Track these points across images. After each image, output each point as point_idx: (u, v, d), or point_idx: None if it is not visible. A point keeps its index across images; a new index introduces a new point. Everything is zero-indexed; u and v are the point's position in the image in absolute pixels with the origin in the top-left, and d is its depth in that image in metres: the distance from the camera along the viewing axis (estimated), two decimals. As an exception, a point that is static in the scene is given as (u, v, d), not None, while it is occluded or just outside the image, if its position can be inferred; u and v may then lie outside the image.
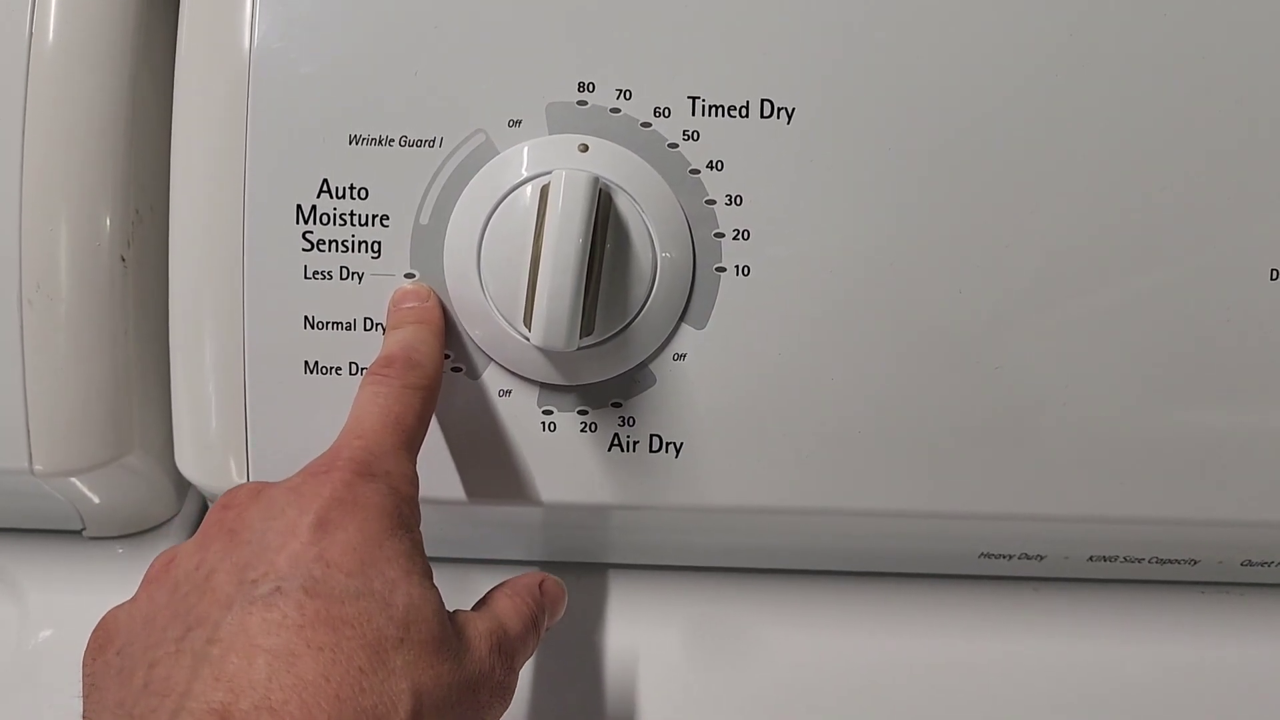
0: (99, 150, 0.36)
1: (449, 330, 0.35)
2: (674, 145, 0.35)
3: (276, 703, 0.24)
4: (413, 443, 0.32)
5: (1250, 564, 0.41)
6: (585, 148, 0.34)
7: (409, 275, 0.35)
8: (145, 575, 0.30)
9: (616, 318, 0.34)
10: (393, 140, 0.34)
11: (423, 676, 0.27)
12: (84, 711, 0.27)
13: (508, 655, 0.30)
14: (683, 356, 0.35)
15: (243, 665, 0.25)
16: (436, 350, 0.34)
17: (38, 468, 0.37)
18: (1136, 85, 0.35)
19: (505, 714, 0.30)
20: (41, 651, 0.40)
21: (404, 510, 0.30)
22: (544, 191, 0.32)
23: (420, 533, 0.30)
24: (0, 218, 0.35)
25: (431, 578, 0.29)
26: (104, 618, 0.29)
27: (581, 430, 0.36)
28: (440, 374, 0.34)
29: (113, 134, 0.37)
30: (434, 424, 0.35)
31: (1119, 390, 0.36)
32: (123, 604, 0.30)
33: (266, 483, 0.31)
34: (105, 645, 0.28)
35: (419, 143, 0.34)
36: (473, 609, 0.32)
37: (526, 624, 0.32)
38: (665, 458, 0.36)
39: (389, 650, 0.26)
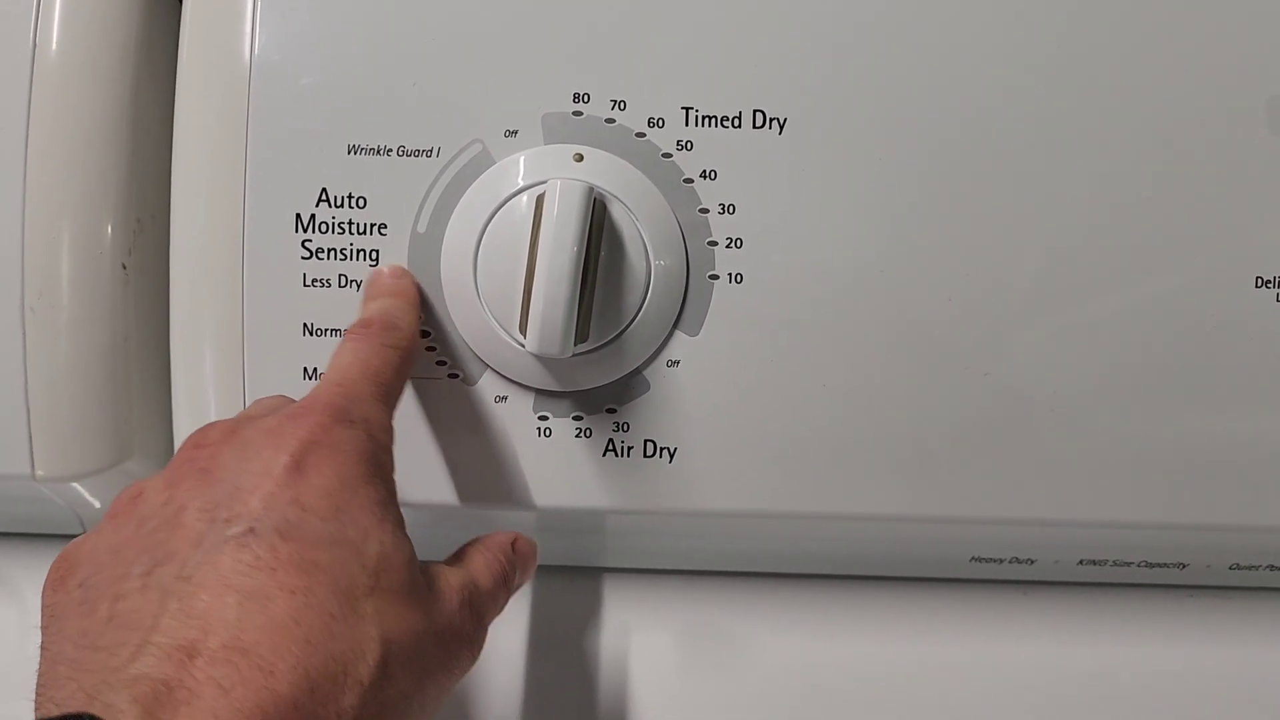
0: (101, 159, 0.37)
1: (447, 337, 0.35)
2: (668, 155, 0.35)
3: (247, 643, 0.24)
4: (390, 396, 0.32)
5: (1238, 567, 0.42)
6: (580, 157, 0.35)
7: (406, 282, 0.35)
8: (110, 508, 0.29)
9: (611, 325, 0.34)
10: (391, 150, 0.35)
11: (392, 625, 0.27)
12: (42, 643, 0.27)
13: (478, 610, 0.30)
14: (676, 363, 0.36)
15: (213, 603, 0.25)
16: (413, 319, 0.34)
17: (39, 473, 0.37)
18: (1125, 95, 0.35)
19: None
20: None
21: (380, 457, 0.30)
22: (539, 200, 0.33)
23: (395, 482, 0.30)
24: (3, 226, 0.36)
25: (404, 527, 0.29)
26: (66, 549, 0.29)
27: (576, 436, 0.36)
28: (416, 342, 0.34)
29: (115, 143, 0.37)
30: (430, 429, 0.36)
31: (1107, 396, 0.36)
32: (86, 535, 0.29)
33: (240, 421, 0.30)
34: (67, 576, 0.28)
35: (417, 152, 0.35)
36: (445, 562, 0.32)
37: (497, 580, 0.32)
38: (659, 463, 0.36)
39: (360, 597, 0.26)
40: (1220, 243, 0.36)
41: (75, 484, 0.38)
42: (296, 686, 0.24)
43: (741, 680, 0.41)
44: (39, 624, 0.28)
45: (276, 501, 0.27)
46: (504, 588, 0.32)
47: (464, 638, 0.30)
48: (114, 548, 0.28)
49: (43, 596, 0.28)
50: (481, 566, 0.32)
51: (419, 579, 0.29)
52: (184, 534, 0.27)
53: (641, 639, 0.41)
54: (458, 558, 0.32)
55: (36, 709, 0.26)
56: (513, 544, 0.34)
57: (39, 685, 0.26)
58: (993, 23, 0.35)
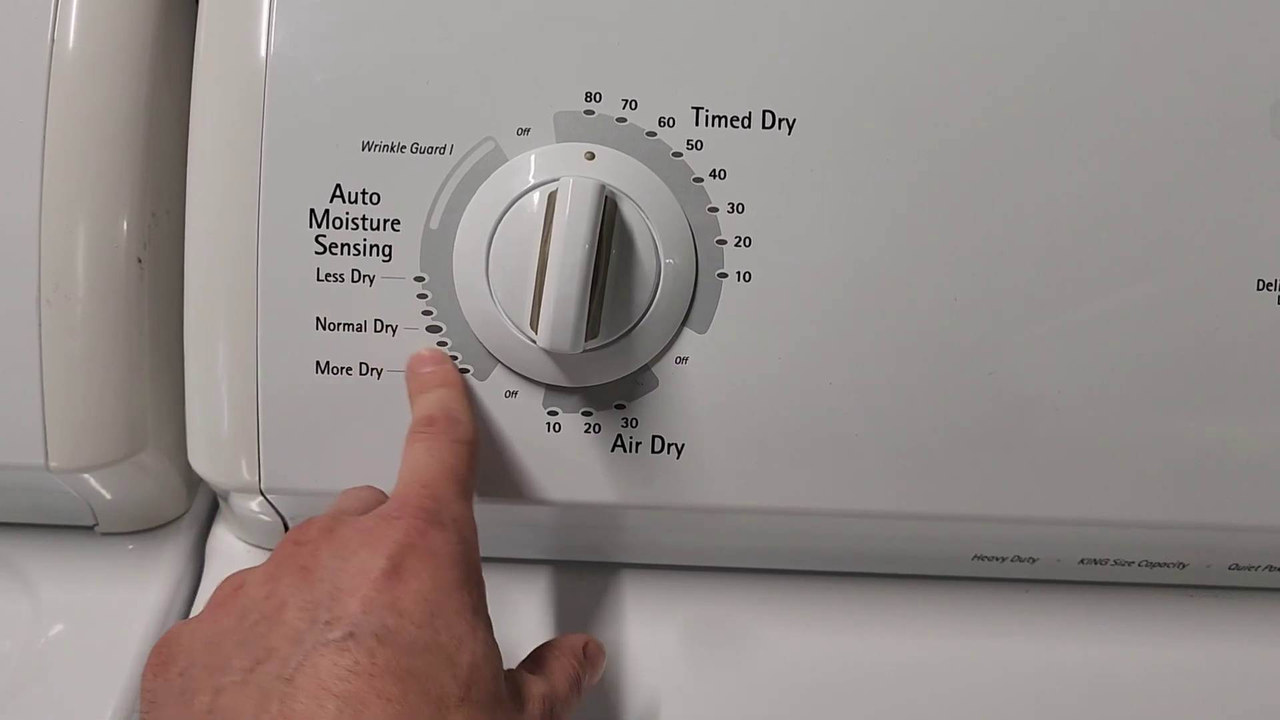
0: (117, 154, 0.37)
1: (459, 332, 0.36)
2: (678, 154, 0.35)
3: None
4: (469, 493, 0.33)
5: (1238, 567, 0.42)
6: (592, 156, 0.35)
7: (419, 278, 0.35)
8: (211, 598, 0.30)
9: (621, 322, 0.35)
10: (404, 147, 0.35)
11: None
12: None
13: (557, 717, 0.31)
14: (685, 360, 0.36)
15: (311, 707, 0.25)
16: (468, 406, 0.35)
17: (53, 464, 0.37)
18: (1129, 99, 0.36)
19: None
20: (53, 646, 0.40)
21: (472, 559, 0.30)
22: (551, 198, 0.33)
23: (483, 583, 0.31)
24: (20, 219, 0.36)
25: (493, 635, 0.30)
26: (167, 634, 0.29)
27: (585, 431, 0.36)
28: (479, 433, 0.34)
29: (130, 138, 0.37)
30: (441, 424, 0.36)
31: (1110, 396, 0.37)
32: (187, 621, 0.30)
33: (336, 518, 0.31)
34: (168, 663, 0.28)
35: (430, 149, 0.35)
36: (522, 665, 0.33)
37: (573, 685, 0.33)
38: (667, 459, 0.37)
39: (451, 708, 0.27)
40: (1222, 246, 0.36)
41: (88, 475, 0.39)
42: None
43: (746, 675, 0.41)
44: (140, 700, 0.29)
45: (374, 606, 0.27)
46: (577, 691, 0.33)
47: None
48: (213, 638, 0.28)
49: (143, 680, 0.29)
50: (559, 673, 0.33)
51: (504, 689, 0.29)
52: (284, 631, 0.27)
53: (648, 634, 0.41)
54: (536, 663, 0.33)
55: None
56: (584, 647, 0.35)
57: None
58: (1000, 26, 0.36)
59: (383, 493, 0.34)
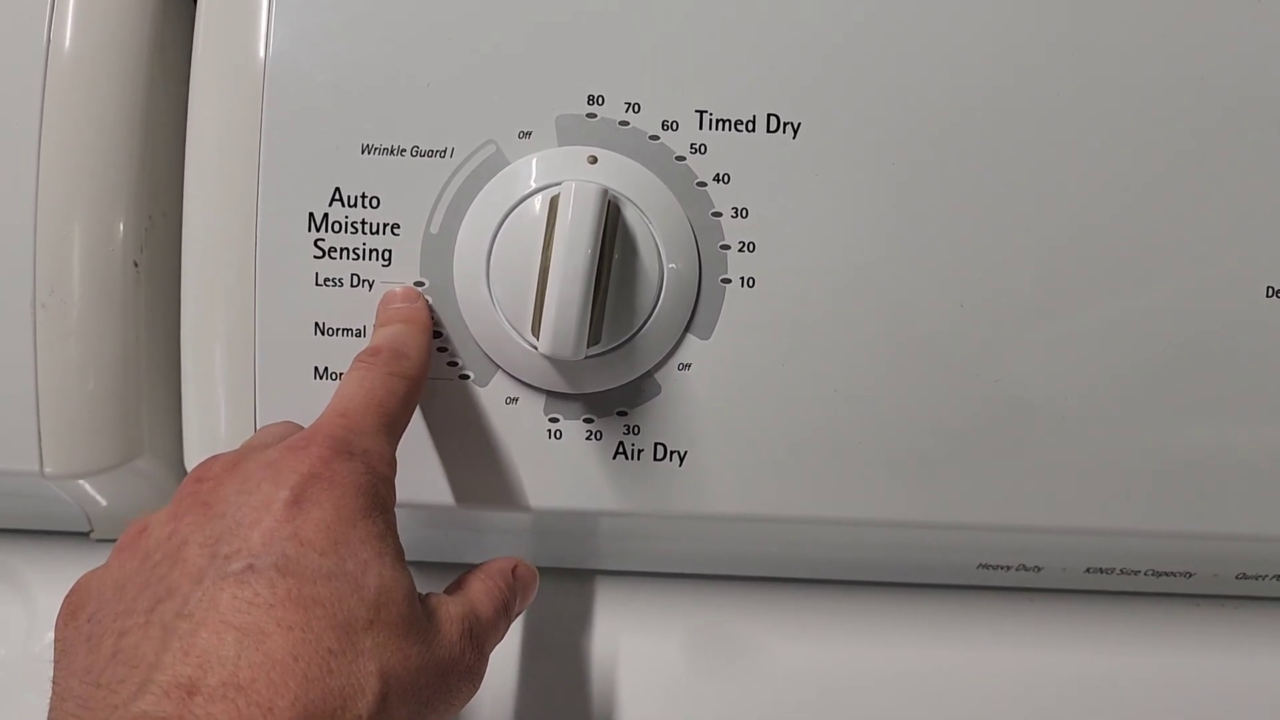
0: (113, 156, 0.37)
1: (459, 338, 0.35)
2: (681, 158, 0.35)
3: (244, 680, 0.24)
4: (394, 427, 0.32)
5: (1245, 577, 0.42)
6: (594, 159, 0.35)
7: (419, 284, 0.35)
8: (118, 543, 0.30)
9: (623, 328, 0.34)
10: (404, 150, 0.35)
11: (391, 659, 0.27)
12: (54, 677, 0.27)
13: (478, 640, 0.30)
14: (687, 366, 0.36)
15: (212, 641, 0.25)
16: (424, 347, 0.34)
17: (48, 470, 0.37)
18: (1138, 104, 0.35)
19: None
20: (49, 653, 0.40)
21: (380, 490, 0.29)
22: (553, 202, 0.33)
23: (394, 514, 0.30)
24: (15, 223, 0.36)
25: (404, 560, 0.29)
26: (77, 583, 0.29)
27: (587, 438, 0.36)
28: (426, 371, 0.34)
29: (127, 140, 0.37)
30: (440, 430, 0.36)
31: (1117, 404, 0.36)
32: (95, 570, 0.29)
33: (242, 454, 0.30)
34: (77, 611, 0.28)
35: (430, 153, 0.35)
36: (445, 591, 0.32)
37: (498, 608, 0.32)
38: (669, 466, 0.36)
39: (359, 632, 0.26)
40: (1232, 252, 0.36)
41: (83, 481, 0.38)
42: None
43: (749, 684, 0.41)
44: (54, 650, 0.28)
45: (276, 536, 0.27)
46: (504, 615, 0.32)
47: (464, 669, 0.30)
48: (119, 583, 0.28)
49: (54, 630, 0.29)
50: (482, 595, 0.32)
51: (418, 612, 0.29)
52: (185, 569, 0.27)
53: (650, 642, 0.41)
54: (458, 586, 0.32)
55: None
56: (513, 570, 0.34)
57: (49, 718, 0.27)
58: (1006, 30, 0.35)
59: (299, 426, 0.33)
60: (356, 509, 0.28)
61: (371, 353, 0.33)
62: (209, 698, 0.24)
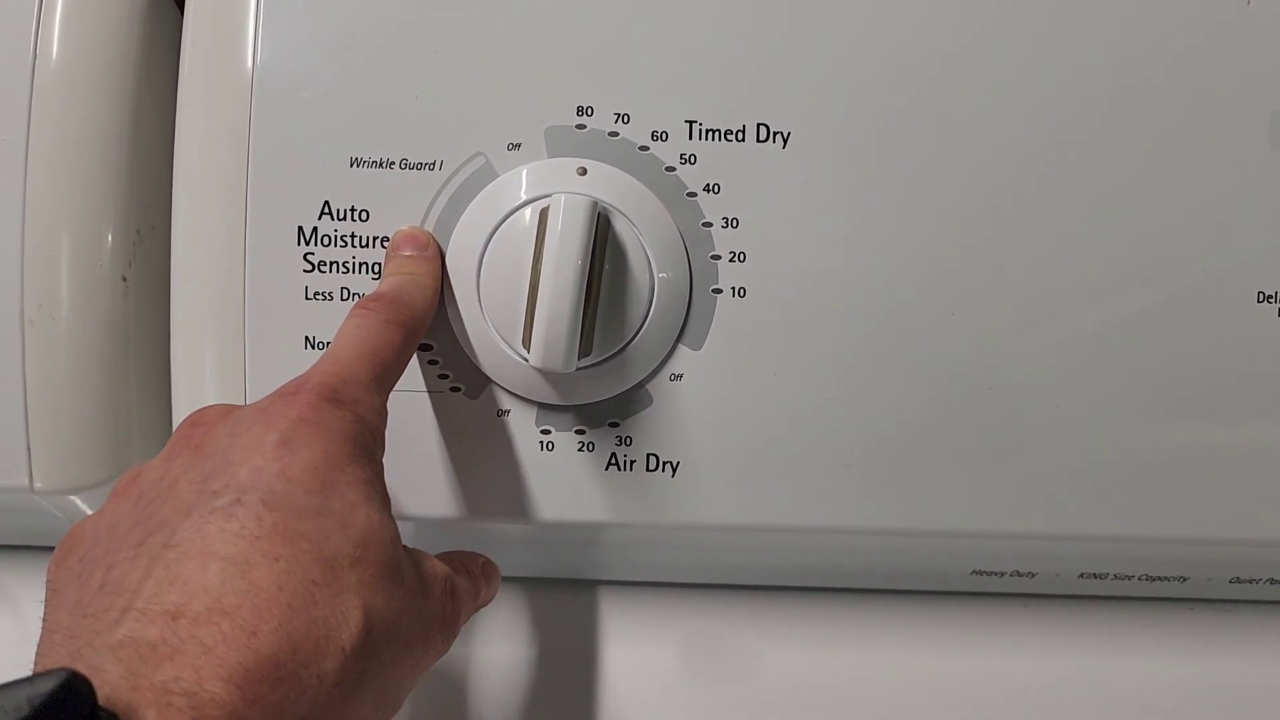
0: (101, 170, 0.37)
1: (450, 350, 0.35)
2: (671, 168, 0.35)
3: (229, 606, 0.24)
4: (386, 376, 0.32)
5: (1239, 581, 0.42)
6: (584, 171, 0.35)
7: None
8: (113, 489, 0.30)
9: (614, 339, 0.34)
10: (393, 163, 0.35)
11: (375, 597, 0.27)
12: (43, 616, 0.28)
13: (457, 600, 0.31)
14: (679, 377, 0.36)
15: (197, 569, 0.25)
16: (428, 294, 0.34)
17: (38, 485, 0.37)
18: (1129, 112, 0.35)
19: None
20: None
21: (367, 439, 0.30)
22: (543, 215, 0.33)
23: (382, 464, 0.30)
24: (3, 237, 0.36)
25: (390, 509, 0.29)
26: (71, 529, 0.30)
27: (579, 449, 0.36)
28: (428, 318, 0.34)
29: (115, 154, 0.37)
30: (432, 441, 0.36)
31: (1109, 410, 0.36)
32: (89, 515, 0.30)
33: (235, 404, 0.31)
34: (69, 553, 0.29)
35: (419, 165, 0.35)
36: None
37: (470, 587, 0.33)
38: (661, 477, 0.36)
39: (344, 567, 0.27)
40: (1222, 258, 0.36)
41: (73, 497, 0.38)
42: (278, 647, 0.24)
43: (743, 693, 0.41)
44: (45, 591, 0.29)
45: (264, 473, 0.27)
46: (473, 597, 0.33)
47: (443, 620, 0.30)
48: (112, 523, 0.28)
49: (47, 573, 0.29)
50: (459, 571, 0.32)
51: (403, 557, 0.29)
52: (175, 505, 0.27)
53: (644, 652, 0.41)
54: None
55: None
56: (481, 565, 0.34)
57: (36, 655, 0.27)
58: (998, 38, 0.35)
59: None
60: (344, 454, 0.28)
61: (373, 299, 0.33)
62: (193, 622, 0.24)
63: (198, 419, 0.30)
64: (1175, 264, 0.36)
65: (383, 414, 0.31)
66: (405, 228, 0.35)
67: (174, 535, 0.26)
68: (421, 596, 0.29)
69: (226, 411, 0.30)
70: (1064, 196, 0.35)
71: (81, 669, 0.22)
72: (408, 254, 0.34)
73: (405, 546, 0.30)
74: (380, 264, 0.35)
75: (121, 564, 0.26)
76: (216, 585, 0.25)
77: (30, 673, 0.26)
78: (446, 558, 0.33)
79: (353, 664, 0.26)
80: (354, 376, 0.30)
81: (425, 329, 0.34)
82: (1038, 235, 0.36)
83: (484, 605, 0.35)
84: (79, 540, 0.29)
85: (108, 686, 0.23)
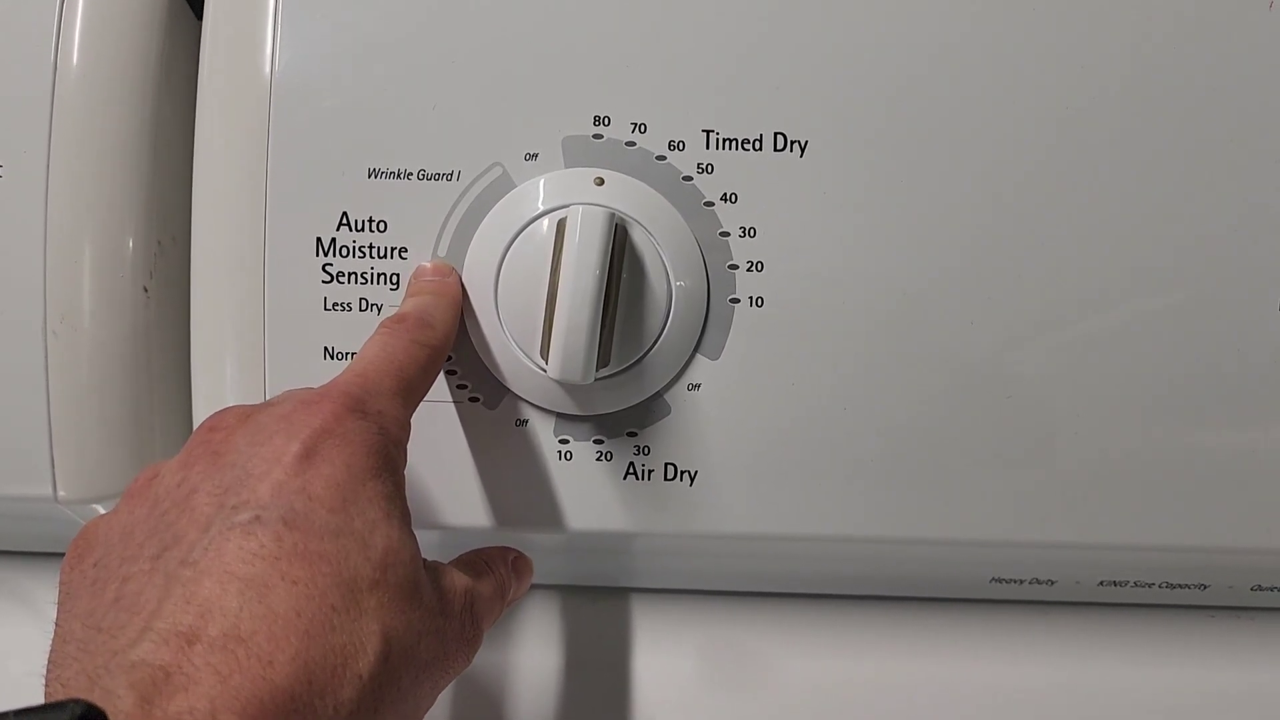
0: (122, 181, 0.37)
1: (468, 360, 0.35)
2: (688, 178, 0.35)
3: (245, 632, 0.24)
4: (411, 392, 0.31)
5: (1260, 588, 0.42)
6: (601, 181, 0.34)
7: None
8: (127, 489, 0.29)
9: (632, 349, 0.34)
10: (411, 174, 0.35)
11: (394, 620, 0.27)
12: (56, 619, 0.27)
13: (477, 614, 0.30)
14: (697, 387, 0.36)
15: (215, 591, 0.25)
16: (450, 319, 0.34)
17: (61, 494, 0.37)
18: (1147, 115, 0.35)
19: None
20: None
21: (390, 451, 0.29)
22: (561, 225, 0.33)
23: (404, 478, 0.30)
24: (25, 249, 0.36)
25: (410, 524, 0.29)
26: (84, 528, 0.29)
27: (597, 459, 0.36)
28: (450, 342, 0.34)
29: (135, 165, 0.37)
30: (450, 452, 0.36)
31: (1130, 418, 0.36)
32: (103, 515, 0.29)
33: (256, 406, 0.30)
34: (84, 555, 0.28)
35: (437, 176, 0.35)
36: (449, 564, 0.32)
37: (496, 591, 0.32)
38: (680, 486, 0.36)
39: (363, 591, 0.26)
40: (1244, 266, 0.35)
41: (97, 506, 0.38)
42: (294, 678, 0.24)
43: (762, 700, 0.40)
44: (58, 593, 0.28)
45: (284, 490, 0.27)
46: (500, 599, 0.33)
47: (463, 638, 0.30)
48: (127, 528, 0.28)
49: (61, 574, 0.29)
50: (485, 575, 0.32)
51: (423, 576, 0.29)
52: (193, 517, 0.27)
53: (663, 659, 0.41)
54: (459, 563, 0.33)
55: (45, 685, 0.26)
56: (511, 560, 0.34)
57: (49, 661, 0.27)
58: (1016, 45, 0.35)
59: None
60: (366, 468, 0.28)
61: (397, 319, 0.33)
62: (209, 648, 0.24)
63: (216, 423, 0.30)
64: (1197, 269, 0.35)
65: (406, 427, 0.31)
66: (427, 262, 0.35)
67: (191, 551, 0.26)
68: (441, 616, 0.29)
69: (246, 415, 0.30)
70: (1083, 203, 0.35)
71: (96, 696, 0.22)
72: (430, 279, 0.34)
73: (425, 561, 0.29)
74: (399, 275, 0.35)
75: (137, 577, 0.26)
76: (234, 609, 0.25)
77: (43, 676, 0.26)
78: (475, 555, 0.33)
79: (370, 692, 0.25)
80: (379, 388, 0.30)
81: (448, 351, 0.34)
82: (1057, 242, 0.35)
83: (515, 601, 0.34)
84: (93, 543, 0.28)
85: (121, 715, 0.23)
